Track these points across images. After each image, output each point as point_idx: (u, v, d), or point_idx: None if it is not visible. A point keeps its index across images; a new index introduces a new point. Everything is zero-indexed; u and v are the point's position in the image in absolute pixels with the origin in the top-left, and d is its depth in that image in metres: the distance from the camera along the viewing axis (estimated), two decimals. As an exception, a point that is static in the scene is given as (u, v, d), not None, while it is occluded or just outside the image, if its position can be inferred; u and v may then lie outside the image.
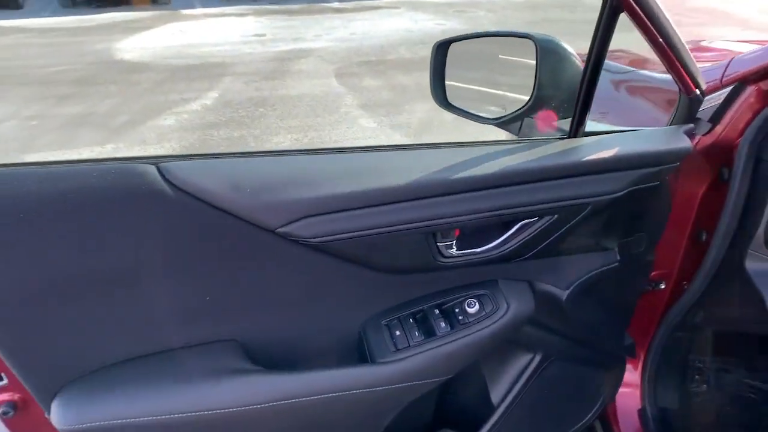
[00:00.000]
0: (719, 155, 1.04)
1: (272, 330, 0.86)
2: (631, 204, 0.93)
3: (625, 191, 0.88)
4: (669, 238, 1.14)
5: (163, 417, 0.76)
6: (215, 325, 0.81)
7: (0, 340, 0.69)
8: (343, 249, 0.78)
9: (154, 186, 0.67)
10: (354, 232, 0.77)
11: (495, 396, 1.07)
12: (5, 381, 0.78)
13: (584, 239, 0.93)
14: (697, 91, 0.92)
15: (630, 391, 1.32)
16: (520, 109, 0.99)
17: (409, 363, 0.88)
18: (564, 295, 0.97)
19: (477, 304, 0.92)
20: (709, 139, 1.04)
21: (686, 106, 0.95)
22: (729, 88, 1.02)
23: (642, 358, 1.30)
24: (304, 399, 0.82)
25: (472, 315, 0.91)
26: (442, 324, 0.90)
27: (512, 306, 0.91)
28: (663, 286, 1.21)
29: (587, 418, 1.24)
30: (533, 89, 0.95)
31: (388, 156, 0.82)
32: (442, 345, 0.89)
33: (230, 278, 0.77)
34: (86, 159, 0.69)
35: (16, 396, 0.79)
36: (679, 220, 1.12)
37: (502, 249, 0.88)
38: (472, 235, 0.89)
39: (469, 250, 0.87)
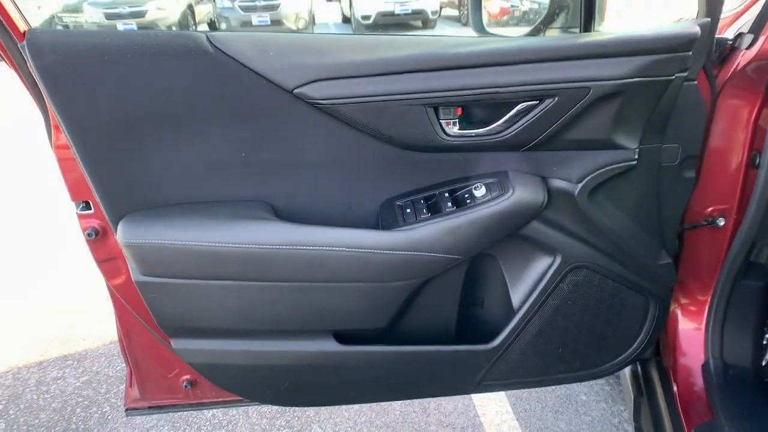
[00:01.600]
0: (766, 68, 0.98)
1: (297, 196, 0.99)
2: (643, 99, 0.92)
3: (628, 80, 0.88)
4: (725, 166, 1.08)
5: (200, 244, 0.93)
6: (250, 184, 0.97)
7: (88, 166, 0.91)
8: (350, 113, 0.90)
9: (202, 47, 0.85)
10: (359, 97, 0.88)
11: (515, 299, 1.08)
12: (92, 210, 1.01)
13: (594, 132, 0.94)
14: None
15: (693, 341, 1.22)
16: (540, 20, 1.04)
17: (414, 233, 0.96)
18: (576, 189, 0.97)
19: (484, 188, 0.97)
20: (753, 52, 0.98)
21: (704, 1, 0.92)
22: None
23: (707, 305, 1.20)
24: (313, 248, 0.94)
25: (477, 198, 0.97)
26: (449, 204, 0.97)
27: (517, 191, 0.95)
28: (722, 223, 1.12)
29: (630, 350, 1.18)
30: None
31: (397, 38, 0.93)
32: (446, 221, 0.95)
33: (259, 136, 0.93)
34: (158, 30, 0.90)
35: (97, 223, 1.03)
36: (733, 145, 1.05)
37: (504, 132, 0.93)
38: (475, 117, 0.95)
39: (471, 131, 0.93)
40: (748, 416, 1.08)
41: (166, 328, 1.04)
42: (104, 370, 2.23)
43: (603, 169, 0.97)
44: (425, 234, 0.96)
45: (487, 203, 0.95)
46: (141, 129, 0.90)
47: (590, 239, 1.03)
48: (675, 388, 1.21)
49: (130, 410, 1.31)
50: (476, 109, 0.95)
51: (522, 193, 0.95)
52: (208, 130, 0.91)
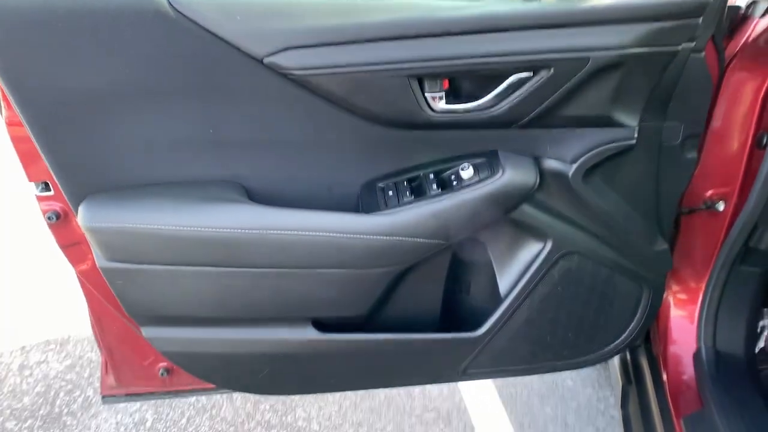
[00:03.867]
0: None
1: (271, 176, 0.94)
2: (646, 72, 0.86)
3: (631, 50, 0.82)
4: (728, 147, 1.02)
5: (167, 227, 0.87)
6: (219, 163, 0.91)
7: (43, 144, 0.84)
8: (326, 85, 0.83)
9: (162, 11, 0.77)
10: (335, 67, 0.82)
11: (503, 286, 1.04)
12: (52, 192, 0.95)
13: (591, 107, 0.88)
14: None
15: (684, 329, 1.18)
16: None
17: (397, 217, 0.90)
18: (570, 170, 0.92)
19: (472, 169, 0.91)
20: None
21: None
22: None
23: (701, 292, 1.16)
24: (288, 232, 0.89)
25: (465, 180, 0.91)
26: (434, 186, 0.92)
27: (507, 172, 0.89)
28: (722, 208, 1.08)
29: (621, 338, 1.14)
30: None
31: (378, 3, 0.86)
32: (430, 204, 0.90)
33: (228, 110, 0.86)
34: None
35: (59, 206, 0.97)
36: (739, 125, 1.00)
37: (495, 107, 0.87)
38: (463, 91, 0.89)
39: (459, 105, 0.87)
40: (738, 406, 1.05)
41: (136, 316, 0.99)
42: (87, 354, 2.19)
43: (600, 149, 0.91)
44: (408, 218, 0.90)
45: (474, 185, 0.90)
46: (98, 103, 0.83)
47: (583, 223, 0.98)
48: (664, 377, 1.18)
49: (106, 397, 1.27)
50: (465, 82, 0.89)
51: (512, 175, 0.90)
52: (172, 104, 0.85)
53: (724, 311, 1.16)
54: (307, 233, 0.89)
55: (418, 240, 0.92)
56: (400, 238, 0.91)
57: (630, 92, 0.88)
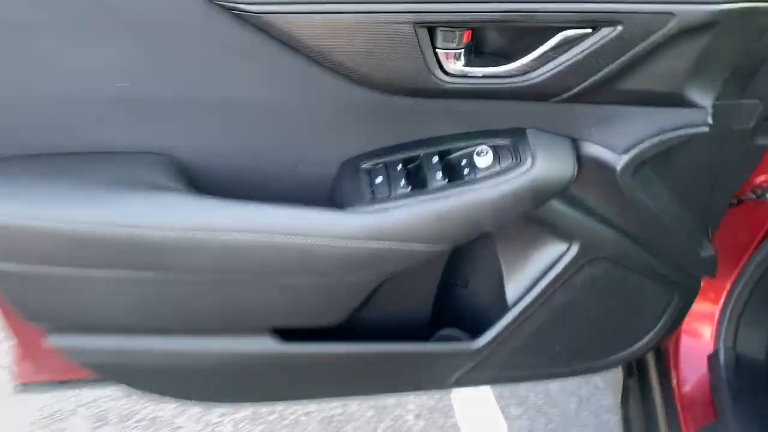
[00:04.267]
0: None
1: (216, 147, 0.69)
2: (740, 36, 0.62)
3: (730, 5, 0.57)
4: None
5: (65, 225, 0.62)
6: (139, 127, 0.65)
7: None
8: (294, 30, 0.56)
9: None
10: (310, 3, 0.55)
11: (511, 292, 0.84)
12: None
13: (661, 81, 0.64)
14: None
15: (702, 325, 1.05)
16: None
17: (386, 218, 0.67)
18: (620, 161, 0.69)
19: (491, 155, 0.67)
20: None
21: None
22: None
23: (726, 289, 1.02)
24: (239, 233, 0.65)
25: (481, 169, 0.68)
26: (439, 175, 0.68)
27: (539, 162, 0.66)
28: None
29: (636, 347, 0.99)
30: None
31: None
32: (433, 201, 0.67)
33: (153, 57, 0.59)
34: None
35: None
36: None
37: (533, 73, 0.61)
38: (489, 47, 0.63)
39: (484, 68, 0.62)
40: (759, 421, 0.93)
41: (39, 324, 0.77)
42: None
43: (662, 137, 0.68)
44: (401, 219, 0.67)
45: (493, 178, 0.67)
46: None
47: (621, 225, 0.77)
48: (674, 381, 1.05)
49: (24, 385, 1.07)
50: (494, 36, 0.63)
51: (545, 165, 0.66)
52: (66, 45, 0.58)
53: (752, 310, 1.03)
54: (264, 236, 0.66)
55: (414, 246, 0.70)
56: (390, 244, 0.69)
57: (714, 62, 0.63)
